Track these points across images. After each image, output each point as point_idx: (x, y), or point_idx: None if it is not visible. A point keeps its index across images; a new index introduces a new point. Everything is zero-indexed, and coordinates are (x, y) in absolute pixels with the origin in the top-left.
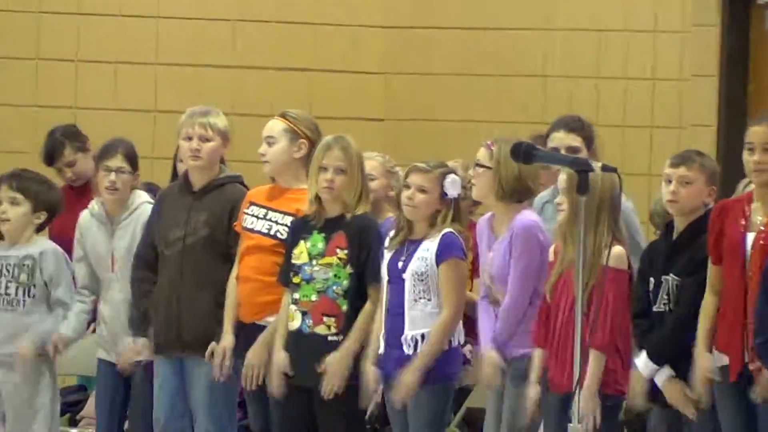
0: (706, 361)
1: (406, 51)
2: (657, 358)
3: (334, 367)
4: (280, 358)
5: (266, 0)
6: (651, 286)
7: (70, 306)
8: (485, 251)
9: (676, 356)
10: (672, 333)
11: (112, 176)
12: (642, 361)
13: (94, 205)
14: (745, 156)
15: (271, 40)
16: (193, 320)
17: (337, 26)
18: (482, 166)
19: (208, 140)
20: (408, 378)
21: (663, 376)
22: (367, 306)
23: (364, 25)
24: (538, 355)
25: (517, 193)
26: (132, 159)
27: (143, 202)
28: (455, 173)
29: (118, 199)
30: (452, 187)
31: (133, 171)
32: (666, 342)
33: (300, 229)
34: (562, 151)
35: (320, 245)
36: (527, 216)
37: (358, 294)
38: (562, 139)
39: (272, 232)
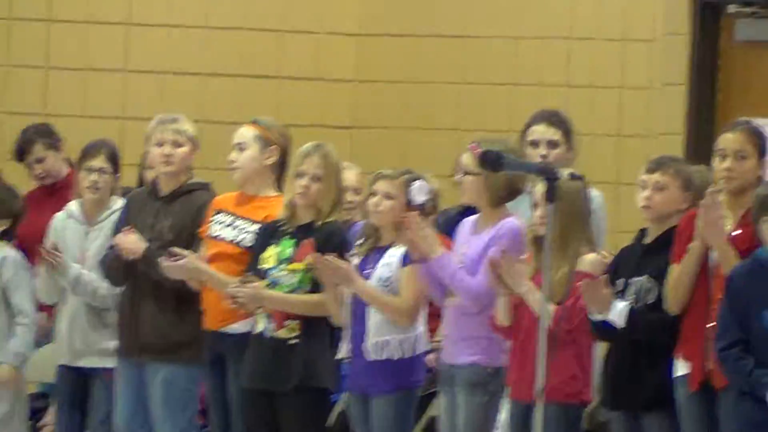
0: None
1: (375, 59)
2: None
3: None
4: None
5: (234, 7)
6: (620, 287)
7: (28, 313)
8: (460, 245)
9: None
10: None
11: (94, 176)
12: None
13: (71, 206)
14: (716, 163)
15: (239, 47)
16: (154, 325)
17: (305, 33)
18: (467, 171)
19: (180, 146)
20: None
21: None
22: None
23: (333, 32)
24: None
25: (508, 196)
26: (114, 160)
27: (120, 208)
28: (421, 180)
29: (98, 199)
30: (418, 193)
31: (115, 172)
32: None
33: (270, 233)
34: (542, 145)
35: (289, 250)
36: (515, 221)
37: None
38: (542, 133)
39: (238, 240)
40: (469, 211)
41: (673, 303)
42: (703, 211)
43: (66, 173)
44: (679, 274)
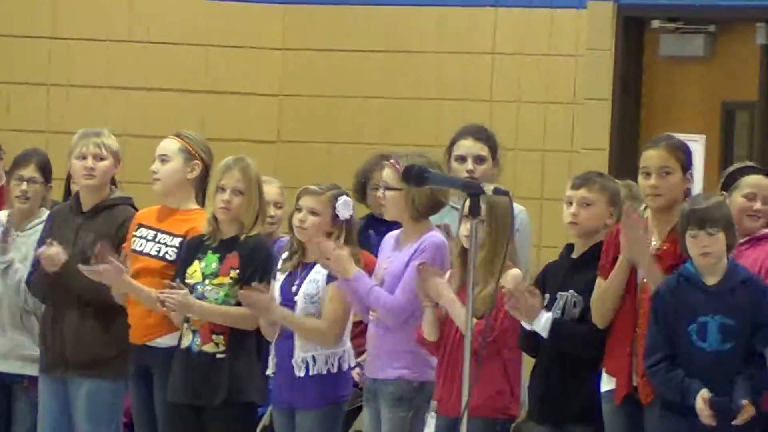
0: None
1: (300, 73)
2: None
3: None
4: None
5: (160, 22)
6: (545, 301)
7: None
8: (383, 260)
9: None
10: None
11: (24, 185)
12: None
13: (1, 215)
14: (641, 180)
15: (164, 61)
16: (77, 340)
17: (230, 48)
18: (389, 187)
19: (102, 159)
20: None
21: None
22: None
23: (257, 47)
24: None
25: (431, 210)
26: (45, 170)
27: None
28: (347, 195)
29: (28, 209)
30: (344, 208)
31: (46, 182)
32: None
33: (195, 248)
34: (469, 160)
35: (214, 265)
36: (438, 236)
37: None
38: (469, 147)
39: (161, 254)
40: (371, 219)
41: (598, 317)
42: (624, 229)
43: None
44: (605, 288)
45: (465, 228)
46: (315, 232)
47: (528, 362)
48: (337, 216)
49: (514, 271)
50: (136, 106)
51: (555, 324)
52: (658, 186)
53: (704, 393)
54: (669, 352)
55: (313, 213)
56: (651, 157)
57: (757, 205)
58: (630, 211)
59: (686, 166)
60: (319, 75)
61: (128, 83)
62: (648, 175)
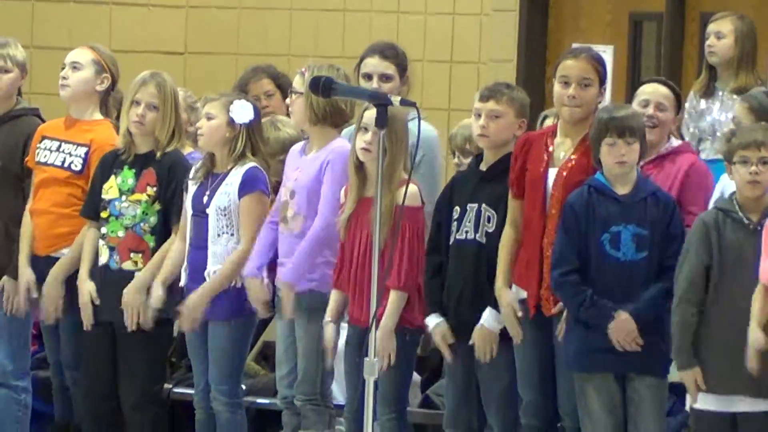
0: (507, 295)
1: None
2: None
3: (129, 298)
4: (88, 288)
5: None
6: (456, 214)
7: None
8: (290, 171)
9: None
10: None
11: None
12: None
13: None
14: (558, 89)
15: None
16: None
17: None
18: (296, 92)
19: (6, 71)
20: (193, 300)
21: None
22: (168, 241)
23: None
24: (334, 296)
25: (331, 117)
26: None
27: None
28: (244, 100)
29: None
30: (239, 112)
31: None
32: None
33: (110, 163)
34: (375, 78)
35: (130, 181)
36: (344, 144)
37: (165, 230)
38: (375, 66)
39: (66, 164)
40: None
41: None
42: None
43: None
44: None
45: (361, 140)
46: (211, 135)
47: None
48: (233, 120)
49: (413, 188)
50: (42, 18)
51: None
52: (577, 96)
53: (621, 314)
54: (577, 266)
55: (209, 118)
56: (571, 67)
57: (649, 111)
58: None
59: (603, 79)
60: None
61: None
62: (566, 84)
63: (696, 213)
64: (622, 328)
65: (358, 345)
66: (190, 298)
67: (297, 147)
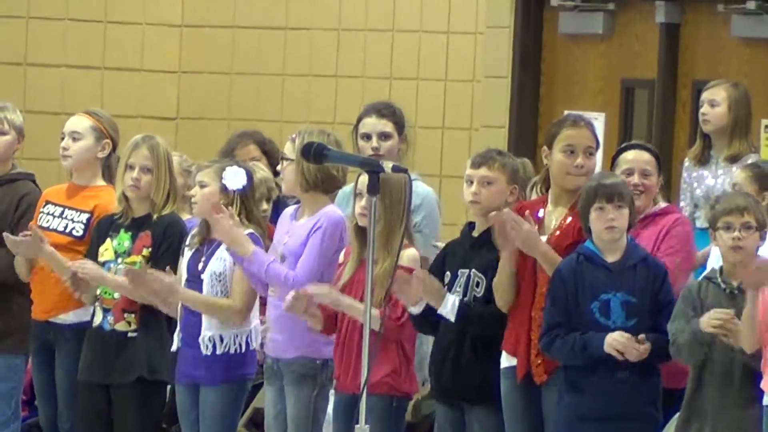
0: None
1: (198, 50)
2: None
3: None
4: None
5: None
6: (447, 279)
7: None
8: (281, 235)
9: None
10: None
11: None
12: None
13: None
14: (562, 158)
15: (61, 36)
16: None
17: (129, 24)
18: (287, 159)
19: (3, 134)
20: (181, 292)
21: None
22: None
23: (156, 23)
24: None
25: (323, 183)
26: None
27: None
28: (236, 166)
29: None
30: (232, 178)
31: None
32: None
33: (107, 226)
34: (374, 137)
35: (126, 243)
36: (335, 211)
37: None
38: (374, 125)
39: (68, 230)
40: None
41: (499, 302)
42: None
43: None
44: (496, 282)
45: (359, 206)
46: (204, 203)
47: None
48: (226, 187)
49: (411, 251)
50: (36, 83)
51: (462, 306)
52: (584, 165)
53: (614, 334)
54: (567, 331)
55: (202, 185)
56: (576, 136)
57: (635, 180)
58: (506, 217)
59: (598, 146)
60: (220, 52)
61: (27, 59)
62: (572, 153)
63: (663, 259)
64: (618, 338)
65: (345, 413)
66: (186, 290)
67: (288, 211)
